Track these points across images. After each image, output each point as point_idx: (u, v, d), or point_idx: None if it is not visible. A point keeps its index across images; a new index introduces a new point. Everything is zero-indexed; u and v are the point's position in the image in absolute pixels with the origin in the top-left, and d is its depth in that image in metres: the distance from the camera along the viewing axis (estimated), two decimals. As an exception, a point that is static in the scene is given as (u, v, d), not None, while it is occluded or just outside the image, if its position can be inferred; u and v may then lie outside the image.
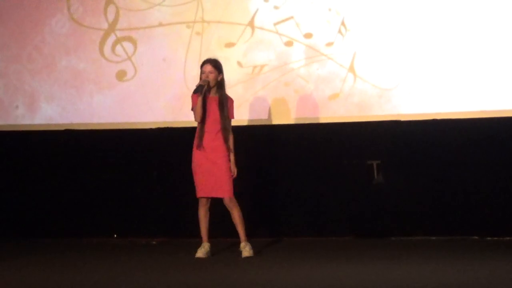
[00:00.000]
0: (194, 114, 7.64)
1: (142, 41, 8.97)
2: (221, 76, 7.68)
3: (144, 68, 8.96)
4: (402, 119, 8.56)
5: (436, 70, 8.49)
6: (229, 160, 7.66)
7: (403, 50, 8.54)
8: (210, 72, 7.63)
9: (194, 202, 7.73)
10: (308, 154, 8.77)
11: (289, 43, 8.74)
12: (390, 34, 8.57)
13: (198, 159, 7.65)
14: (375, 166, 8.63)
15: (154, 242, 8.77)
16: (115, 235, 9.04)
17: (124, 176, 9.01)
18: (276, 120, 8.75)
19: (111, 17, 9.03)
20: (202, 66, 7.69)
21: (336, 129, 8.67)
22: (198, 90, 7.56)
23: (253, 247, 7.64)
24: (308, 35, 8.71)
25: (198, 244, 7.70)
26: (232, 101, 7.76)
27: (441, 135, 8.51)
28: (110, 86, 9.01)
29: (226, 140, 7.65)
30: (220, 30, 8.85)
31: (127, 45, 9.00)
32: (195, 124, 7.66)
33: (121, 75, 9.01)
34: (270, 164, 8.81)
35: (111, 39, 9.03)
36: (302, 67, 8.72)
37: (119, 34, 9.02)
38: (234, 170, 7.67)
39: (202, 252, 7.63)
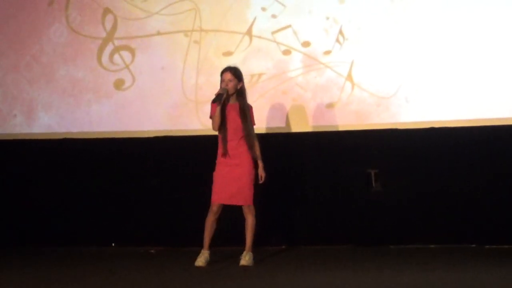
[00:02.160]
0: (212, 122, 7.63)
1: (140, 49, 8.97)
2: (241, 84, 7.68)
3: (142, 76, 8.96)
4: (400, 127, 8.57)
5: (434, 78, 8.51)
6: (254, 167, 7.66)
7: (400, 59, 8.56)
8: (230, 80, 7.62)
9: (193, 210, 7.73)
10: (305, 163, 8.77)
11: (287, 52, 8.75)
12: (388, 42, 8.58)
13: (222, 165, 7.62)
14: (373, 174, 8.64)
15: (152, 251, 8.76)
16: (113, 244, 9.03)
17: (122, 185, 9.00)
18: (273, 129, 8.75)
19: (109, 26, 9.04)
20: (222, 74, 7.67)
21: (333, 137, 8.68)
22: (217, 99, 7.54)
23: (254, 257, 7.65)
24: (306, 44, 8.73)
25: (197, 253, 7.68)
26: (251, 107, 7.76)
27: (439, 143, 8.52)
28: (108, 95, 9.01)
29: (250, 147, 7.65)
30: (218, 39, 8.86)
31: (125, 54, 9.01)
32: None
33: (119, 84, 9.01)
34: (267, 172, 8.80)
35: (109, 48, 9.03)
36: (300, 75, 8.73)
37: (117, 43, 9.02)
38: (263, 175, 7.68)
39: (201, 261, 7.59)
